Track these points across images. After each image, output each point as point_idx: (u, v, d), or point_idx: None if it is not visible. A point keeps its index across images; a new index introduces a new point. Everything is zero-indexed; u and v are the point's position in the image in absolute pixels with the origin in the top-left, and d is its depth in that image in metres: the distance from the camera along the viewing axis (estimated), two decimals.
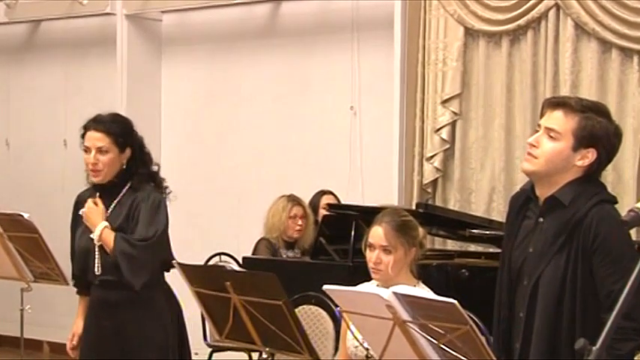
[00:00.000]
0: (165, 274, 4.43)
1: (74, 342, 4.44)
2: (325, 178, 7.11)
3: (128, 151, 4.29)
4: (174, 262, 3.98)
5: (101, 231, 4.22)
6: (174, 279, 4.25)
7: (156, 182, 4.37)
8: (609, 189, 3.27)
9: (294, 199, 6.39)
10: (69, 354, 4.49)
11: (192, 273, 3.85)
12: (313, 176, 7.23)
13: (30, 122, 8.86)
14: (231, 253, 6.74)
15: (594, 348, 2.17)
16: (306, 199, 6.54)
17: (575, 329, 3.03)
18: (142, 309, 4.28)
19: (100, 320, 4.33)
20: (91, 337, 4.37)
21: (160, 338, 4.29)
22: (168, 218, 4.33)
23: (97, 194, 4.32)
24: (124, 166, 4.29)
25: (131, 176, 4.30)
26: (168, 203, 4.40)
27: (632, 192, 5.90)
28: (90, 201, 4.30)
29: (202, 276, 3.87)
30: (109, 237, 4.20)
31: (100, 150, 4.24)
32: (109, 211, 4.28)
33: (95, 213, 4.27)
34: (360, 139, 7.26)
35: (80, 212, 4.33)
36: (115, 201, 4.29)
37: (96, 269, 4.25)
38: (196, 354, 7.29)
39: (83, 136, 4.31)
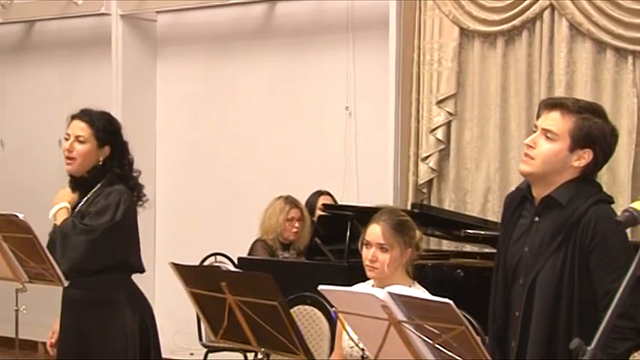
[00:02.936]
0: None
1: (53, 340, 4.44)
2: (320, 178, 7.10)
3: (107, 149, 4.24)
4: (169, 262, 3.96)
5: (58, 209, 4.22)
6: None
7: (129, 185, 4.29)
8: (604, 189, 3.27)
9: (291, 201, 6.36)
10: (48, 351, 4.50)
11: (188, 273, 3.84)
12: (308, 176, 7.22)
13: (25, 122, 8.85)
14: (226, 254, 6.73)
15: (589, 348, 2.18)
16: (301, 199, 6.52)
17: (572, 328, 3.04)
18: (102, 309, 4.25)
19: (64, 319, 4.34)
20: (59, 336, 4.37)
21: (119, 339, 4.25)
22: (129, 219, 4.23)
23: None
24: (100, 163, 4.24)
25: (105, 175, 4.26)
26: (141, 210, 4.34)
27: (626, 192, 5.91)
28: (67, 187, 4.30)
29: (197, 276, 3.86)
30: (62, 217, 4.20)
31: (78, 138, 4.21)
32: (77, 207, 4.25)
33: (63, 195, 4.28)
34: (355, 139, 7.25)
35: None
36: (85, 197, 4.25)
37: None
38: (192, 354, 7.32)
39: (69, 125, 4.28)
